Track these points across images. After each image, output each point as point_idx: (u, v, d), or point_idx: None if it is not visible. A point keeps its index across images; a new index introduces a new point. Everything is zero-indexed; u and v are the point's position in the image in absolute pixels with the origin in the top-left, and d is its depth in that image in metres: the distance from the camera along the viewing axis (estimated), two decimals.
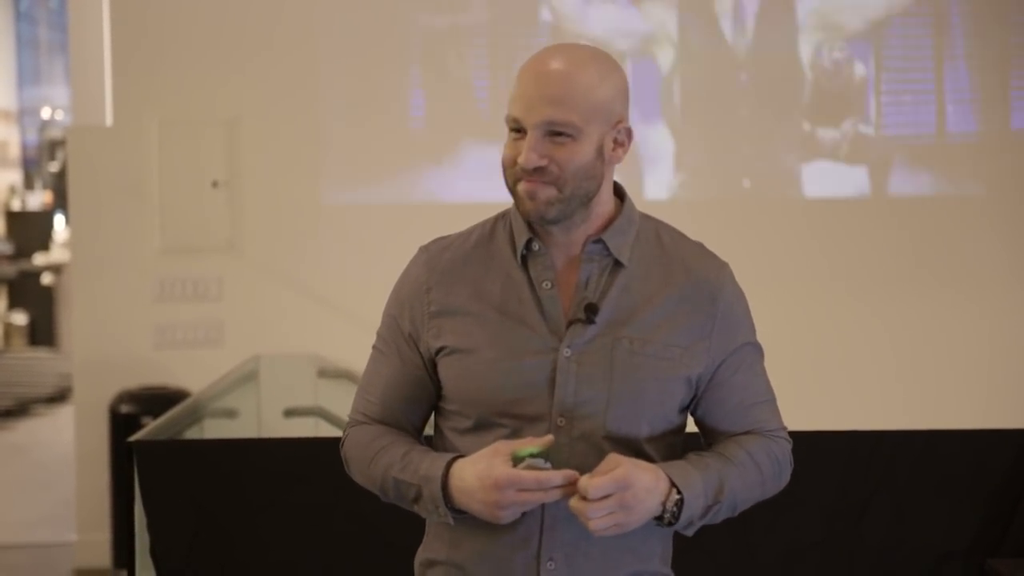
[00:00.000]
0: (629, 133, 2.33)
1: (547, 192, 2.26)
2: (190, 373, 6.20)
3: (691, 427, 2.45)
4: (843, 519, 3.80)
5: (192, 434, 4.76)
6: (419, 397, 2.41)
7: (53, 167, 15.50)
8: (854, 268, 6.57)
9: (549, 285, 2.32)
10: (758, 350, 2.42)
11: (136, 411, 6.14)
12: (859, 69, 6.52)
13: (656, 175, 6.50)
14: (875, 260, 6.57)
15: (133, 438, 3.84)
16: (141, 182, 6.36)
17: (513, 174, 2.29)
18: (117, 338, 6.40)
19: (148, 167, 6.35)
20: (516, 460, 2.20)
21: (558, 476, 2.18)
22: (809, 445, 3.81)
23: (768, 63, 6.52)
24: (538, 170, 2.25)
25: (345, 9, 6.38)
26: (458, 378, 2.34)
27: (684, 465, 2.28)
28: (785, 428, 2.45)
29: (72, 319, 6.71)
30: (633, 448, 2.29)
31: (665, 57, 6.47)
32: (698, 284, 2.34)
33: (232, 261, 6.37)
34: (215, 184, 6.34)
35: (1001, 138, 6.58)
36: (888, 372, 6.54)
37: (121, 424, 6.12)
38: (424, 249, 2.43)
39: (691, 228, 2.51)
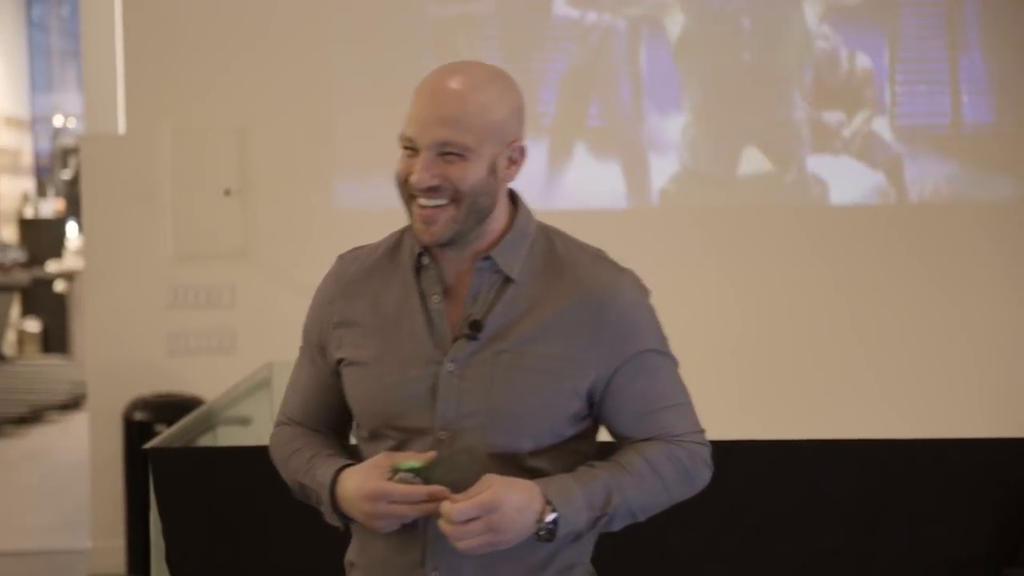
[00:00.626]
0: (523, 151, 2.35)
1: (446, 215, 2.29)
2: (203, 380, 6.22)
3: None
4: (859, 527, 3.80)
5: (205, 441, 4.77)
6: (332, 403, 2.47)
7: (65, 175, 15.54)
8: (869, 269, 6.52)
9: (438, 299, 2.35)
10: (663, 356, 2.41)
11: (149, 418, 6.15)
12: (873, 59, 6.48)
13: (664, 162, 6.45)
14: (892, 261, 6.52)
15: (148, 445, 3.85)
16: (154, 190, 6.37)
17: (407, 190, 2.32)
18: (130, 345, 6.42)
19: (161, 175, 6.37)
20: (395, 472, 2.25)
21: (424, 492, 2.23)
22: (825, 454, 3.82)
23: (776, 48, 6.48)
24: (432, 189, 2.28)
25: (355, 9, 6.38)
26: (353, 389, 2.40)
27: (565, 480, 2.29)
28: (699, 432, 2.43)
29: (85, 326, 6.72)
30: (517, 462, 2.31)
31: (674, 27, 6.45)
32: (588, 294, 2.34)
33: (244, 268, 6.38)
34: (227, 192, 6.36)
35: (1018, 127, 6.53)
36: (903, 379, 6.52)
37: (135, 431, 6.14)
38: (340, 258, 2.50)
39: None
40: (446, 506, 2.21)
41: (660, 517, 3.82)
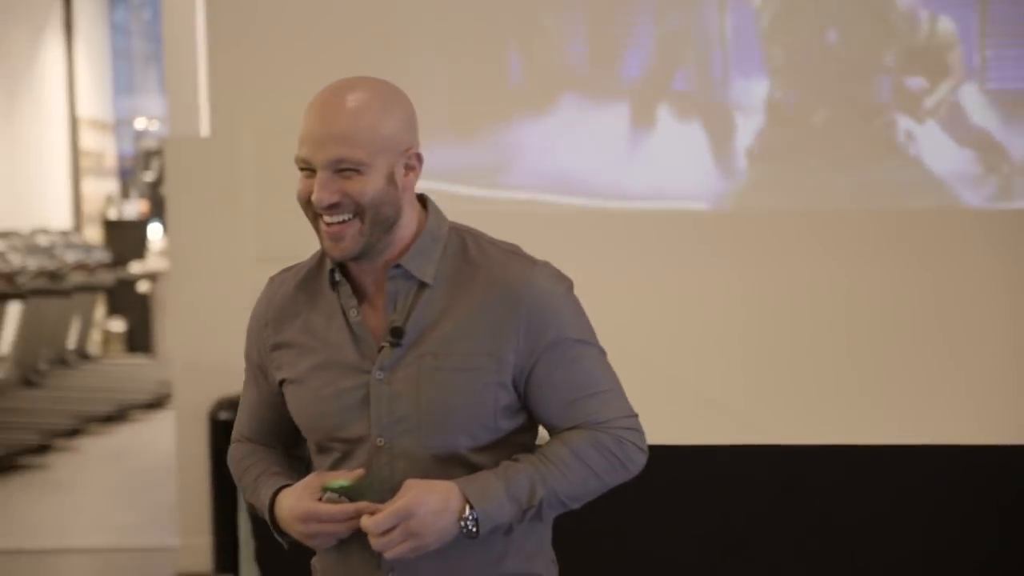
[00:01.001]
0: (419, 158, 2.44)
1: (352, 228, 2.36)
2: None
3: None
4: (948, 532, 3.79)
5: None
6: (278, 420, 2.57)
7: (148, 177, 15.74)
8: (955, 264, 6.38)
9: (355, 313, 2.42)
10: (584, 345, 2.45)
11: (234, 418, 6.22)
12: (959, 22, 6.34)
13: (749, 123, 6.37)
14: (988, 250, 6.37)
15: None
16: (237, 192, 6.44)
17: (310, 210, 2.39)
18: (215, 345, 6.48)
19: (244, 177, 6.43)
20: (324, 492, 2.35)
21: (350, 509, 2.33)
22: (914, 459, 3.81)
23: (861, 12, 6.37)
24: (333, 206, 2.34)
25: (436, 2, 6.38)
26: (294, 406, 2.50)
27: (487, 477, 2.36)
28: (628, 417, 2.46)
29: (171, 327, 6.81)
30: (458, 460, 2.39)
31: None
32: (501, 288, 2.40)
33: None
34: None
35: None
36: (992, 385, 6.39)
37: (220, 430, 6.21)
38: (270, 281, 2.59)
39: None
40: (364, 520, 2.31)
41: (746, 520, 3.86)
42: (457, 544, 2.34)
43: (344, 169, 2.34)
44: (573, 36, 6.40)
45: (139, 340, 14.12)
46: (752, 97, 6.34)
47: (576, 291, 2.48)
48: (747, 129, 6.33)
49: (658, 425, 5.57)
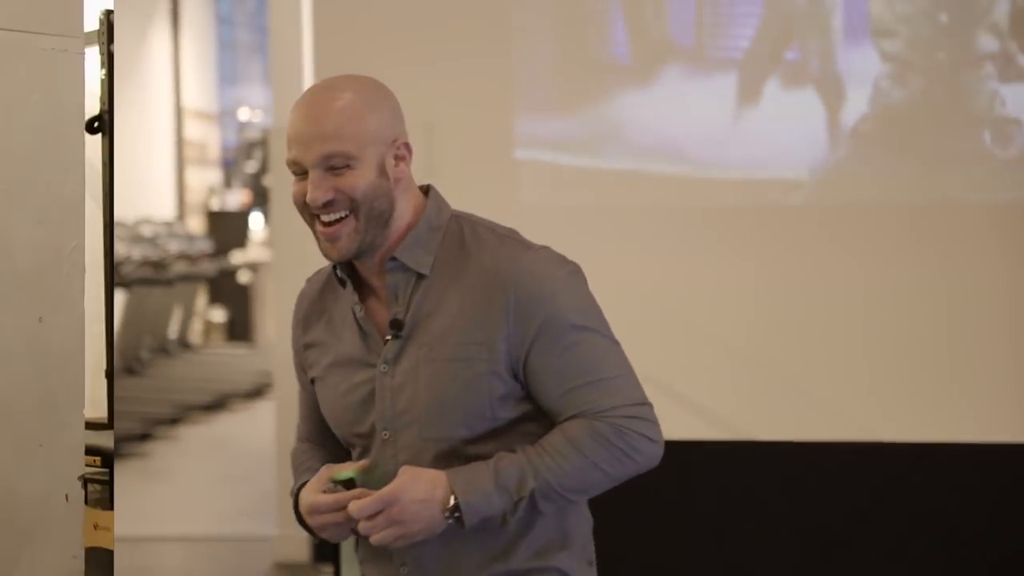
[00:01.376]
0: (408, 147, 2.42)
1: (347, 227, 2.35)
2: None
3: None
4: None
5: None
6: (324, 419, 2.56)
7: (250, 167, 15.87)
8: None
9: (359, 309, 2.44)
10: (583, 331, 2.37)
11: None
12: None
13: (857, 96, 6.26)
14: None
15: None
16: None
17: (307, 212, 2.38)
18: None
19: None
20: (330, 483, 2.38)
21: (345, 498, 2.34)
22: (1016, 458, 3.75)
23: None
24: (329, 203, 2.34)
25: None
26: (321, 405, 2.53)
27: (477, 467, 2.33)
28: (633, 405, 2.37)
29: (272, 317, 6.85)
30: (459, 451, 2.37)
31: None
32: (491, 275, 2.37)
33: None
34: None
35: None
36: None
37: None
38: (307, 281, 2.59)
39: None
40: (351, 505, 2.31)
41: (847, 519, 3.82)
42: (459, 536, 2.34)
43: (335, 166, 2.34)
44: (679, 5, 6.33)
45: (239, 330, 14.26)
46: (861, 70, 6.23)
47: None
48: (854, 103, 6.23)
49: (756, 418, 5.53)
